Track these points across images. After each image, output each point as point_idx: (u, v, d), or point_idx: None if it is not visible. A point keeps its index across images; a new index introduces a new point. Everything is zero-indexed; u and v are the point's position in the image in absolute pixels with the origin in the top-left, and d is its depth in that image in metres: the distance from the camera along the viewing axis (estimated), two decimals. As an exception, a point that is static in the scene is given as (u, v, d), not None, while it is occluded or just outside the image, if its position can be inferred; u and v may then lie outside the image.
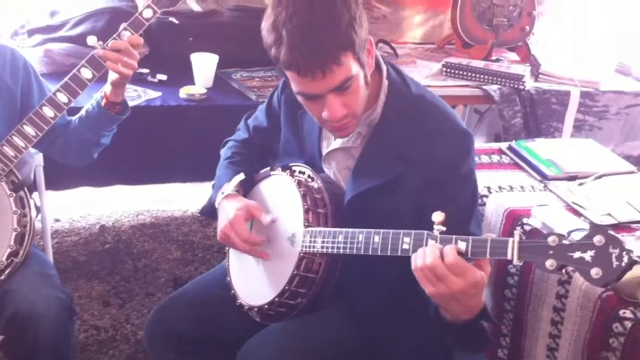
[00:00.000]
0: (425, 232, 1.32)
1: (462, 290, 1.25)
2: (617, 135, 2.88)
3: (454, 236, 1.29)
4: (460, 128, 1.52)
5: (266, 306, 1.55)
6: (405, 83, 1.55)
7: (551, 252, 1.19)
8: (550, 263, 1.19)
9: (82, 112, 1.85)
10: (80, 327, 2.37)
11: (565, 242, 1.19)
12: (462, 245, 1.27)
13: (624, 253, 1.14)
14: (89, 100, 1.90)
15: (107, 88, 1.77)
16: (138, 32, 1.71)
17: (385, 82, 1.53)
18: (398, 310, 1.55)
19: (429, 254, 1.27)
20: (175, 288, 2.61)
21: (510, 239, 1.23)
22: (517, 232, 1.24)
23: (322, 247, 1.48)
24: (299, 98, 1.48)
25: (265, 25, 1.41)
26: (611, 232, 1.16)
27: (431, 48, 3.26)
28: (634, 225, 1.76)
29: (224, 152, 1.83)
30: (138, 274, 2.72)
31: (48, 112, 1.68)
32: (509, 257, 1.23)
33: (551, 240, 1.19)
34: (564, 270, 1.24)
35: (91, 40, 1.69)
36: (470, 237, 1.28)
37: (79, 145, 1.87)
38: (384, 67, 1.55)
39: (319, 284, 1.53)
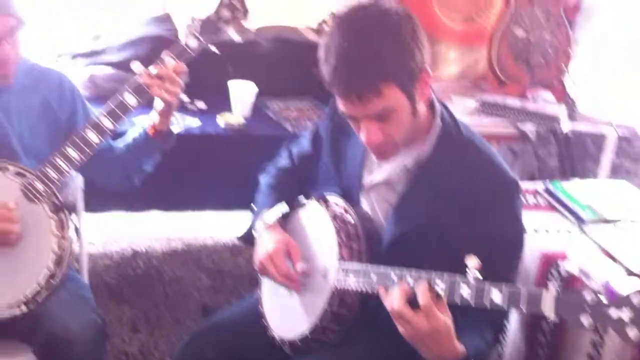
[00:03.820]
0: (459, 275, 1.30)
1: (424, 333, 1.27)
2: (655, 180, 2.85)
3: (487, 282, 1.26)
4: (507, 176, 1.51)
5: (298, 341, 1.55)
6: (457, 125, 1.55)
7: (588, 309, 1.16)
8: (586, 321, 1.16)
9: (129, 139, 1.88)
10: (109, 352, 2.38)
11: (603, 300, 1.15)
12: (496, 295, 1.24)
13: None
14: (131, 125, 1.94)
15: (153, 117, 1.80)
16: (182, 60, 1.74)
17: (438, 120, 1.53)
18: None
19: (394, 296, 1.31)
20: (205, 316, 2.62)
21: (545, 292, 1.19)
22: (553, 285, 1.21)
23: (355, 284, 1.48)
24: (343, 115, 1.50)
25: (323, 39, 1.44)
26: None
27: (466, 84, 3.25)
28: (673, 274, 1.73)
29: (265, 178, 1.85)
30: (168, 300, 2.73)
31: (92, 136, 1.71)
32: (544, 312, 1.19)
33: (588, 296, 1.16)
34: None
35: (136, 66, 1.72)
36: (506, 287, 1.24)
37: (122, 171, 1.90)
38: (438, 106, 1.55)
39: (350, 320, 1.52)
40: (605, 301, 1.15)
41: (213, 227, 3.21)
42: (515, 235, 1.52)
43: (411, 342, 1.32)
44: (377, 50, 1.37)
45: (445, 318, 1.29)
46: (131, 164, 1.88)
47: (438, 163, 1.51)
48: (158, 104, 1.77)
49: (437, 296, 1.30)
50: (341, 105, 1.46)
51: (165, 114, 1.79)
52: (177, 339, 2.47)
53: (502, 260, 1.45)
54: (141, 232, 3.12)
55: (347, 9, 1.45)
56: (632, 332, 1.12)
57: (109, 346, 2.35)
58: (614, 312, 1.14)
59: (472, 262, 1.29)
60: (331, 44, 1.40)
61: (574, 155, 2.73)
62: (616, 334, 1.15)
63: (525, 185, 2.33)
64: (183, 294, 2.78)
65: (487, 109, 2.81)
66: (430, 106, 1.54)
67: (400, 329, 1.31)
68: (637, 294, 1.13)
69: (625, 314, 1.13)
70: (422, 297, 1.29)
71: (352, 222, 1.57)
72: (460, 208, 1.47)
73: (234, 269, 2.98)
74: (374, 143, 1.45)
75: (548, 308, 1.19)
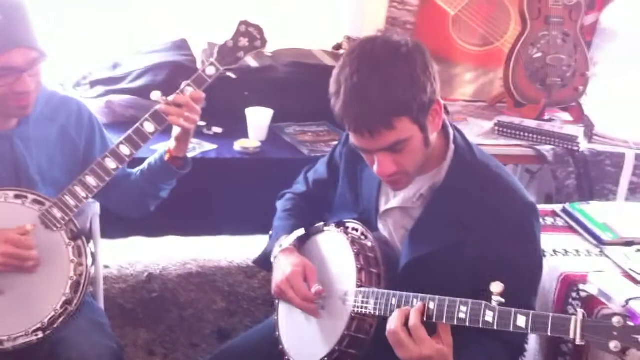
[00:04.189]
0: (484, 302, 1.30)
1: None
2: (675, 200, 2.82)
3: (513, 309, 1.27)
4: (524, 200, 1.51)
5: (316, 366, 1.54)
6: (471, 149, 1.55)
7: (615, 333, 1.16)
8: (614, 345, 1.16)
9: (144, 166, 1.89)
10: (125, 376, 2.38)
11: (630, 323, 1.15)
12: (521, 320, 1.25)
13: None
14: (147, 152, 1.95)
15: (170, 144, 1.81)
16: (200, 88, 1.76)
17: (452, 147, 1.53)
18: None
19: (393, 320, 1.35)
20: (220, 339, 2.61)
21: (573, 318, 1.20)
22: (580, 311, 1.21)
23: (375, 309, 1.47)
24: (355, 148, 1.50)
25: (334, 74, 1.45)
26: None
27: (482, 106, 3.25)
28: (696, 296, 1.71)
29: (282, 204, 1.85)
30: (183, 323, 2.73)
31: (110, 163, 1.72)
32: (571, 336, 1.20)
33: (616, 321, 1.16)
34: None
35: (155, 95, 1.73)
36: (531, 312, 1.25)
37: (138, 197, 1.91)
38: (451, 131, 1.55)
39: (368, 344, 1.51)
40: (632, 324, 1.15)
41: (228, 249, 3.22)
42: (533, 259, 1.51)
43: None
44: (388, 85, 1.37)
45: (437, 345, 1.33)
46: (147, 189, 1.89)
47: (452, 188, 1.51)
48: (175, 130, 1.77)
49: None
50: (353, 139, 1.46)
51: (182, 141, 1.80)
52: (192, 362, 2.47)
53: (521, 284, 1.44)
54: (156, 255, 3.14)
55: (356, 42, 1.46)
56: None
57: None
58: None
59: (497, 288, 1.29)
60: (341, 78, 1.40)
61: (592, 176, 2.70)
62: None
63: (543, 207, 2.32)
64: (198, 317, 2.78)
65: (504, 130, 2.80)
66: (444, 132, 1.54)
67: (396, 351, 1.35)
68: None
69: None
70: (412, 318, 1.35)
71: (371, 246, 1.57)
72: (477, 232, 1.47)
73: (248, 290, 2.98)
74: (387, 175, 1.45)
75: (575, 333, 1.20)
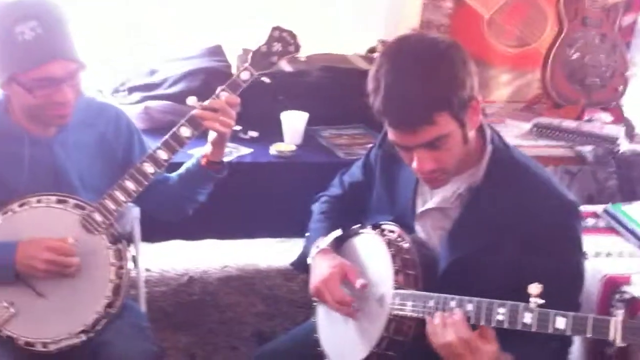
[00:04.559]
0: (522, 304, 1.29)
1: None
2: None
3: (552, 311, 1.25)
4: (566, 199, 1.49)
5: (355, 368, 1.54)
6: (509, 150, 1.55)
7: None
8: None
9: (182, 170, 1.92)
10: (166, 379, 2.42)
11: None
12: (560, 322, 1.23)
13: None
14: (184, 157, 1.97)
15: (207, 148, 1.83)
16: (235, 93, 1.77)
17: (489, 147, 1.52)
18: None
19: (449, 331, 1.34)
20: (259, 342, 2.61)
21: (613, 319, 1.18)
22: (620, 312, 1.19)
23: (413, 311, 1.47)
24: (394, 145, 1.50)
25: (371, 72, 1.45)
26: None
27: (520, 107, 3.22)
28: None
29: (318, 207, 1.86)
30: (223, 326, 2.76)
31: (148, 168, 1.74)
32: (611, 337, 1.18)
33: None
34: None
35: (191, 100, 1.75)
36: (571, 314, 1.23)
37: (176, 201, 1.93)
38: (488, 131, 1.54)
39: (407, 346, 1.51)
40: None
41: (267, 252, 3.24)
42: (575, 262, 1.49)
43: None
44: (429, 79, 1.37)
45: (487, 347, 1.31)
46: (184, 193, 1.91)
47: (491, 188, 1.50)
48: (211, 135, 1.79)
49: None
50: (392, 135, 1.46)
51: (219, 145, 1.81)
52: (232, 364, 2.49)
53: (562, 288, 1.41)
54: (196, 259, 3.17)
55: (391, 41, 1.46)
56: None
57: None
58: None
59: (535, 290, 1.27)
60: (380, 76, 1.41)
61: (633, 176, 2.66)
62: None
63: (584, 207, 2.28)
64: (238, 320, 2.81)
65: (542, 131, 2.77)
66: (481, 132, 1.53)
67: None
68: None
69: None
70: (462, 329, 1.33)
71: (408, 248, 1.57)
72: (516, 233, 1.45)
73: (287, 293, 3.00)
74: (426, 171, 1.45)
75: (615, 334, 1.18)
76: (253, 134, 2.60)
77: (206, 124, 1.74)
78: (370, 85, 1.44)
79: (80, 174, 1.79)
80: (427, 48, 1.41)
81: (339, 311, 1.57)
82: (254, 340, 2.66)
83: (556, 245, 1.44)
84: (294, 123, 2.58)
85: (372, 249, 1.62)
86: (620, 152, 2.67)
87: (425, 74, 1.38)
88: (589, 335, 1.21)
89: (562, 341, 1.48)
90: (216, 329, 2.73)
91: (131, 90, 2.72)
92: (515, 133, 2.82)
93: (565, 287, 1.44)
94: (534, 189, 1.49)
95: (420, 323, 1.48)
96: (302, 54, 2.88)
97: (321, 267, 1.59)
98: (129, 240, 1.99)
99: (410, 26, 3.10)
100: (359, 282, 1.55)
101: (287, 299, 2.97)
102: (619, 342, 1.17)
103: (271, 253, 3.25)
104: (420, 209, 1.63)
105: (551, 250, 1.43)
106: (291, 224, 2.26)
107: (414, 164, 1.45)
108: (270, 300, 2.95)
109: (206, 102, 1.75)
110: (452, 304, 1.39)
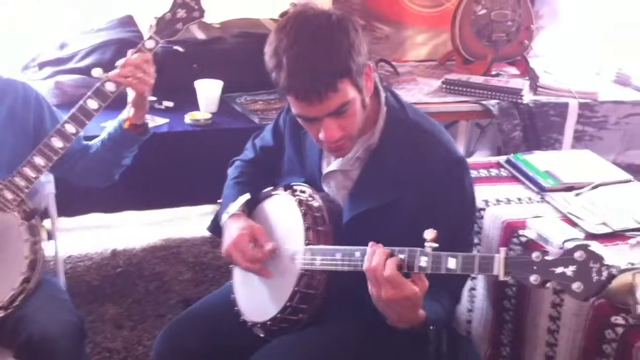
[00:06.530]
0: (418, 249, 1.38)
1: (393, 299, 1.36)
2: (618, 144, 2.91)
3: (443, 253, 1.35)
4: (453, 156, 1.59)
5: (269, 322, 1.60)
6: (403, 109, 1.63)
7: (535, 267, 1.24)
8: (534, 278, 1.24)
9: (104, 136, 1.92)
10: (93, 350, 2.43)
11: (548, 257, 1.23)
12: (451, 262, 1.33)
13: (604, 268, 1.18)
14: (98, 130, 1.97)
15: (128, 111, 1.84)
16: None
17: (384, 109, 1.60)
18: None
19: (376, 257, 1.38)
20: (186, 308, 2.65)
21: (496, 255, 1.28)
22: (503, 249, 1.29)
23: (322, 264, 1.54)
24: (299, 120, 1.56)
25: (268, 50, 1.49)
26: (591, 248, 1.21)
27: (432, 65, 3.30)
28: (628, 234, 1.79)
29: (231, 172, 1.90)
30: (150, 296, 2.78)
31: (57, 142, 1.75)
32: (495, 272, 1.28)
33: (535, 256, 1.24)
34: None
35: (96, 72, 1.77)
36: (460, 255, 1.33)
37: (101, 167, 1.94)
38: (383, 94, 1.61)
39: (319, 299, 1.58)
40: (549, 258, 1.22)
41: (191, 220, 3.26)
42: (463, 205, 1.60)
43: (378, 305, 1.41)
44: (329, 49, 1.43)
45: (414, 288, 1.36)
46: (109, 158, 1.92)
47: (387, 148, 1.59)
48: (131, 96, 1.80)
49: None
50: (298, 109, 1.51)
51: (140, 107, 1.83)
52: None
53: (456, 231, 1.53)
54: (119, 231, 3.17)
55: (283, 18, 1.50)
56: (575, 285, 1.19)
57: (92, 344, 2.42)
58: (559, 269, 1.22)
59: (430, 235, 1.37)
60: (280, 51, 1.44)
61: (537, 127, 2.78)
62: (562, 288, 1.22)
63: (488, 159, 2.40)
64: (164, 289, 2.84)
65: (451, 87, 2.86)
66: (376, 94, 1.60)
67: (370, 288, 1.40)
68: (579, 249, 1.20)
69: (569, 270, 1.21)
70: (389, 268, 1.38)
71: (318, 206, 1.63)
72: (411, 187, 1.55)
73: (214, 260, 3.03)
74: (335, 139, 1.51)
75: (499, 270, 1.27)
76: (168, 103, 2.60)
77: (124, 83, 1.75)
78: (270, 62, 1.48)
79: (-10, 151, 1.77)
80: (323, 20, 1.46)
81: (252, 270, 1.62)
82: (181, 307, 2.69)
83: (447, 196, 1.55)
84: (208, 91, 2.60)
85: (284, 209, 1.67)
86: (523, 103, 2.78)
87: (326, 44, 1.43)
88: (476, 272, 1.32)
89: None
90: (143, 299, 2.76)
91: (42, 65, 2.68)
92: (425, 91, 2.89)
93: (457, 231, 1.55)
94: (425, 146, 1.58)
95: (330, 276, 1.55)
96: (216, 20, 2.90)
97: (231, 231, 1.64)
98: (44, 215, 1.99)
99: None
100: (267, 246, 1.61)
101: (213, 265, 3.00)
102: (501, 277, 1.27)
103: (195, 220, 3.27)
104: (325, 170, 1.70)
105: (442, 201, 1.54)
106: (211, 191, 2.28)
107: (321, 135, 1.51)
108: (197, 268, 2.99)
109: (111, 73, 1.75)
110: (357, 254, 1.47)
